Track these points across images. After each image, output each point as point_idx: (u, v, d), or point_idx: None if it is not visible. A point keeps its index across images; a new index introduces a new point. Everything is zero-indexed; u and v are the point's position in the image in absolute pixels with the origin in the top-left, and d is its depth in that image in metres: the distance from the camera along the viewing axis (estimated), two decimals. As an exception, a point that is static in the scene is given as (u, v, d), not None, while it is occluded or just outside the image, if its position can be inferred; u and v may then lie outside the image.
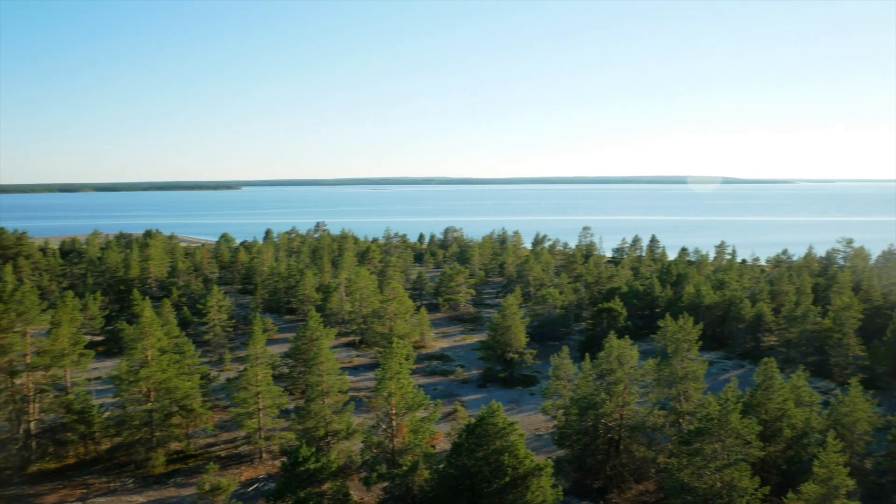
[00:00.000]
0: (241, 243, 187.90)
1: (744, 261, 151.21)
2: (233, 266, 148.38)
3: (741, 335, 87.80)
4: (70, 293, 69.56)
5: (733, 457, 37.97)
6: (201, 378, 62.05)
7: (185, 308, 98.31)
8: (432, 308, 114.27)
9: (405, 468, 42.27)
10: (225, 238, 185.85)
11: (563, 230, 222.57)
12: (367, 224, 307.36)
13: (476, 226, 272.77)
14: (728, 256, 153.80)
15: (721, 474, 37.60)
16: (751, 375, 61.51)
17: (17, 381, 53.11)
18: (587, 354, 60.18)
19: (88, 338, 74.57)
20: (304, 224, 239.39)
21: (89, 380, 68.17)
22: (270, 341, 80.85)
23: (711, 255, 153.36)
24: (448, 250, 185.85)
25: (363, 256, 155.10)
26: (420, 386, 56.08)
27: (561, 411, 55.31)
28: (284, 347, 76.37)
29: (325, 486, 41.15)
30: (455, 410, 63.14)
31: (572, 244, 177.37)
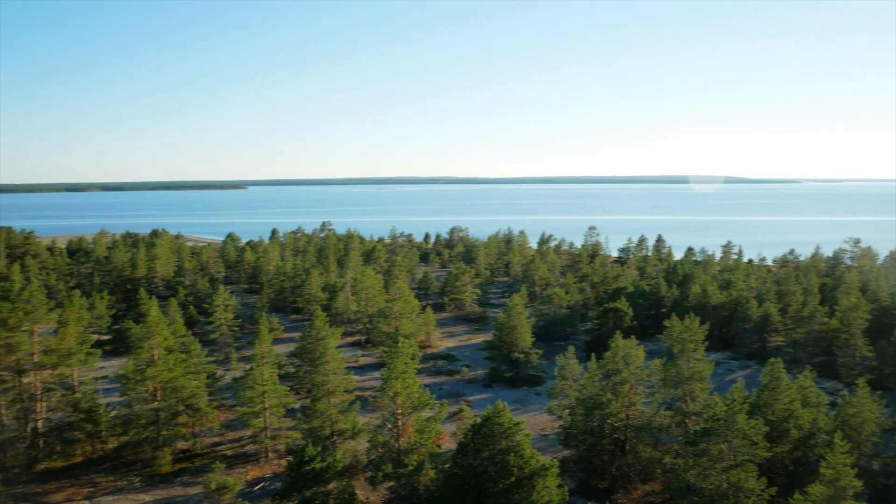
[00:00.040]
0: (248, 243, 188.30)
1: (750, 261, 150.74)
2: (239, 265, 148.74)
3: (748, 335, 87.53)
4: (77, 292, 69.90)
5: (740, 457, 37.86)
6: (207, 377, 62.21)
7: (192, 307, 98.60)
8: (438, 308, 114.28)
9: (411, 468, 42.30)
10: (231, 237, 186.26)
11: (569, 230, 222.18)
12: (373, 224, 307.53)
13: (482, 225, 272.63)
14: (734, 256, 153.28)
15: (727, 475, 37.51)
16: (757, 376, 61.37)
17: (25, 380, 53.36)
18: (593, 354, 60.09)
19: (95, 337, 74.88)
20: (309, 224, 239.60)
21: (96, 379, 68.38)
22: (276, 341, 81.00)
23: (718, 255, 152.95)
24: (454, 250, 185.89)
25: (369, 256, 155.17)
26: (426, 386, 56.11)
27: (567, 411, 55.23)
28: (290, 347, 76.47)
29: (331, 486, 41.22)
30: (461, 410, 63.16)
31: (578, 244, 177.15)
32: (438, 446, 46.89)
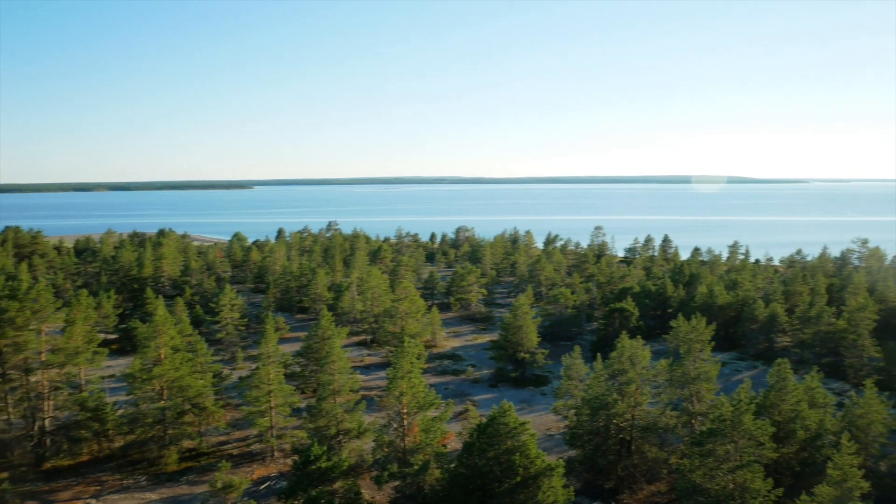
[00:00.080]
0: (254, 242, 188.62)
1: (757, 261, 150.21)
2: (245, 265, 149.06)
3: (754, 336, 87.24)
4: (84, 291, 70.03)
5: (746, 458, 37.73)
6: (214, 376, 62.35)
7: (198, 307, 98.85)
8: (444, 307, 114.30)
9: (416, 467, 42.31)
10: (237, 237, 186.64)
11: (575, 230, 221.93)
12: (379, 223, 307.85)
13: (488, 225, 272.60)
14: (741, 256, 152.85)
15: (734, 475, 37.38)
16: (764, 376, 61.12)
17: (32, 379, 53.56)
18: (599, 354, 59.98)
19: (102, 336, 75.16)
20: (316, 223, 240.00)
21: (103, 378, 68.64)
22: (282, 340, 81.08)
23: (724, 255, 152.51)
24: (460, 250, 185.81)
25: (375, 256, 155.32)
26: (431, 385, 56.11)
27: (572, 411, 55.16)
28: (296, 346, 76.59)
29: (337, 485, 41.23)
30: (466, 410, 63.13)
31: (584, 244, 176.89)
32: (444, 446, 46.87)
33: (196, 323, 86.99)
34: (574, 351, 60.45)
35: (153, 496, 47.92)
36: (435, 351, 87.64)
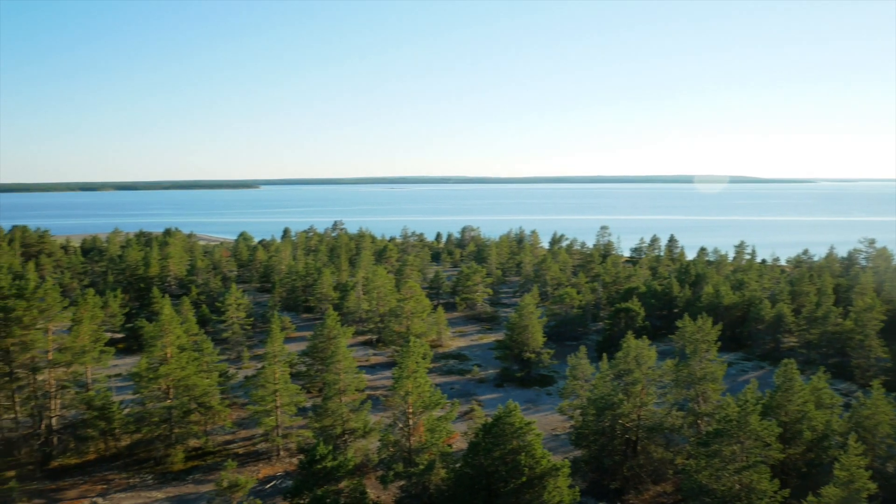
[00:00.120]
0: (260, 242, 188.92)
1: (763, 261, 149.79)
2: (251, 264, 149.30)
3: (761, 336, 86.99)
4: (91, 291, 70.31)
5: (752, 459, 37.62)
6: (220, 375, 62.47)
7: (204, 306, 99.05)
8: (449, 307, 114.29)
9: (422, 467, 42.31)
10: (243, 237, 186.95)
11: (581, 229, 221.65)
12: (385, 223, 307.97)
13: (493, 225, 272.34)
14: (748, 256, 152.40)
15: (740, 476, 37.28)
16: (770, 377, 60.99)
17: (40, 378, 53.80)
18: (604, 354, 59.88)
19: (109, 335, 75.31)
20: (321, 223, 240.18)
21: (110, 376, 68.94)
22: (288, 339, 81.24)
23: (731, 255, 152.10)
24: (465, 249, 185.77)
25: (380, 255, 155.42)
26: (437, 385, 56.11)
27: (578, 411, 55.07)
28: (302, 346, 76.67)
29: (342, 485, 41.29)
30: (472, 410, 63.13)
31: (590, 243, 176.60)
32: (449, 445, 46.87)
33: (202, 322, 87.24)
34: (579, 351, 60.36)
35: (159, 495, 48.06)
36: (440, 350, 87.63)
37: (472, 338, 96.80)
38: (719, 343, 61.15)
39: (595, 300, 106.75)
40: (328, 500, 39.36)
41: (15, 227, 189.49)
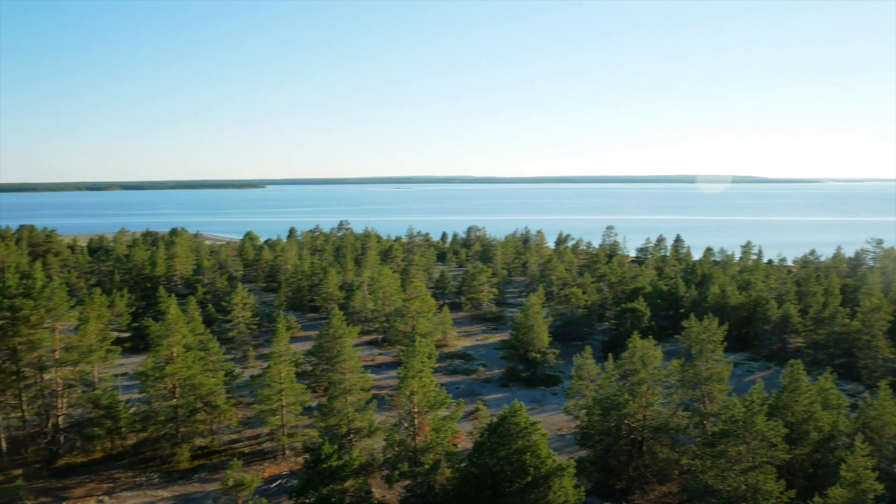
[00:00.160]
0: (266, 241, 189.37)
1: (770, 261, 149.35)
2: (257, 264, 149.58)
3: (767, 336, 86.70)
4: (98, 290, 70.48)
5: (758, 459, 37.51)
6: (225, 375, 62.60)
7: (210, 305, 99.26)
8: (455, 307, 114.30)
9: (427, 466, 42.32)
10: (249, 236, 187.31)
11: (586, 229, 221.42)
12: (390, 223, 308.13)
13: (499, 225, 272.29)
14: (754, 256, 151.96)
15: (746, 477, 37.18)
16: (777, 377, 60.77)
17: (46, 377, 54.02)
18: (610, 355, 59.84)
19: (115, 334, 75.55)
20: (327, 223, 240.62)
21: (116, 376, 69.20)
22: (294, 339, 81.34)
23: (737, 256, 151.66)
24: (471, 249, 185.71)
25: (386, 255, 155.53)
26: (442, 385, 56.03)
27: (583, 411, 55.02)
28: (308, 345, 76.78)
29: (348, 484, 41.32)
30: (477, 409, 63.08)
31: (595, 243, 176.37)
32: (454, 445, 46.87)
33: (208, 322, 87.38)
34: (585, 351, 60.29)
35: (165, 493, 48.19)
36: (446, 350, 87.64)
37: (477, 337, 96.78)
38: (725, 343, 61.06)
39: (601, 300, 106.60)
40: (333, 500, 39.41)
41: (22, 226, 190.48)
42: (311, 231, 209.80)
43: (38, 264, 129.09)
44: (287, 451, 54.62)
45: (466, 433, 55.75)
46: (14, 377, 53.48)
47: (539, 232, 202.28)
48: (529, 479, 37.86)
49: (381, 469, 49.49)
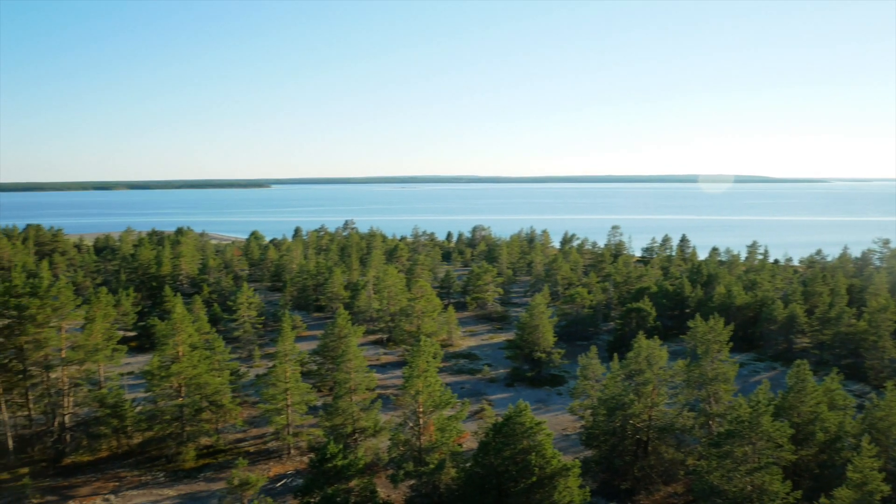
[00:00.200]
0: (271, 241, 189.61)
1: (776, 261, 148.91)
2: (262, 263, 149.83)
3: (773, 337, 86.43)
4: (104, 289, 70.74)
5: (764, 460, 37.41)
6: (231, 374, 62.70)
7: (216, 305, 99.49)
8: (460, 307, 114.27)
9: (432, 466, 42.33)
10: (255, 236, 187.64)
11: (592, 229, 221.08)
12: (396, 222, 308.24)
13: (504, 224, 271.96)
14: (760, 256, 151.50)
15: (752, 477, 37.08)
16: (783, 378, 60.62)
17: (53, 375, 54.19)
18: (615, 354, 59.70)
19: (121, 333, 75.71)
20: (332, 222, 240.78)
21: (122, 374, 69.43)
22: (299, 338, 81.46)
23: (743, 255, 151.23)
24: (476, 249, 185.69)
25: (391, 254, 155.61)
26: (447, 384, 56.09)
27: (588, 411, 54.94)
28: (313, 344, 76.88)
29: (353, 483, 41.35)
30: (482, 409, 63.09)
31: (601, 243, 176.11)
32: (460, 445, 46.87)
33: (214, 321, 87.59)
34: (590, 351, 60.19)
35: (171, 492, 48.31)
36: (451, 350, 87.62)
37: (482, 337, 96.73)
38: (731, 343, 60.81)
39: (606, 300, 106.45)
40: (338, 499, 39.46)
41: (29, 225, 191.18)
42: (316, 231, 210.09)
43: (45, 263, 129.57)
44: (292, 451, 54.71)
45: (471, 433, 55.73)
46: (21, 376, 53.72)
47: (544, 231, 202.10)
48: (534, 479, 37.84)
49: (385, 468, 49.54)
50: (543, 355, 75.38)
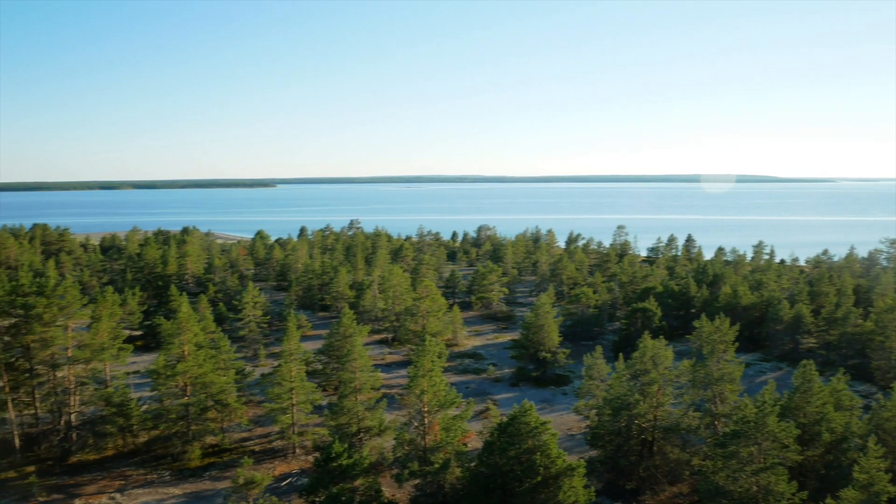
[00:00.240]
0: (276, 240, 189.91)
1: (782, 261, 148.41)
2: (268, 263, 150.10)
3: (779, 337, 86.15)
4: (110, 288, 70.83)
5: (770, 460, 37.30)
6: (236, 373, 62.86)
7: (221, 304, 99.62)
8: (465, 306, 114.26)
9: (437, 466, 42.33)
10: (260, 235, 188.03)
11: (597, 229, 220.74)
12: (401, 222, 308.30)
13: (509, 224, 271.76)
14: (766, 256, 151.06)
15: (757, 478, 36.98)
16: (789, 378, 60.37)
17: (59, 374, 54.40)
18: (621, 354, 59.64)
19: (127, 332, 76.01)
20: (338, 222, 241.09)
21: (128, 373, 69.65)
22: (304, 338, 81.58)
23: (749, 255, 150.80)
24: (481, 248, 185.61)
25: (396, 254, 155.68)
26: (452, 384, 55.97)
27: (594, 411, 54.89)
28: (318, 344, 76.98)
29: (357, 483, 41.39)
30: (487, 409, 63.05)
31: (606, 243, 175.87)
32: (464, 445, 46.84)
33: (219, 320, 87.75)
34: (596, 351, 60.13)
35: (176, 491, 48.43)
36: (456, 350, 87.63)
37: (487, 337, 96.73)
38: (737, 344, 60.79)
39: (611, 300, 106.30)
40: (343, 498, 39.49)
41: (35, 225, 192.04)
42: (321, 230, 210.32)
43: (51, 263, 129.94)
44: (297, 450, 54.78)
45: (476, 433, 55.74)
46: (27, 375, 53.95)
47: (549, 231, 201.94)
48: (539, 478, 37.81)
49: (390, 468, 49.56)
50: (548, 355, 75.32)
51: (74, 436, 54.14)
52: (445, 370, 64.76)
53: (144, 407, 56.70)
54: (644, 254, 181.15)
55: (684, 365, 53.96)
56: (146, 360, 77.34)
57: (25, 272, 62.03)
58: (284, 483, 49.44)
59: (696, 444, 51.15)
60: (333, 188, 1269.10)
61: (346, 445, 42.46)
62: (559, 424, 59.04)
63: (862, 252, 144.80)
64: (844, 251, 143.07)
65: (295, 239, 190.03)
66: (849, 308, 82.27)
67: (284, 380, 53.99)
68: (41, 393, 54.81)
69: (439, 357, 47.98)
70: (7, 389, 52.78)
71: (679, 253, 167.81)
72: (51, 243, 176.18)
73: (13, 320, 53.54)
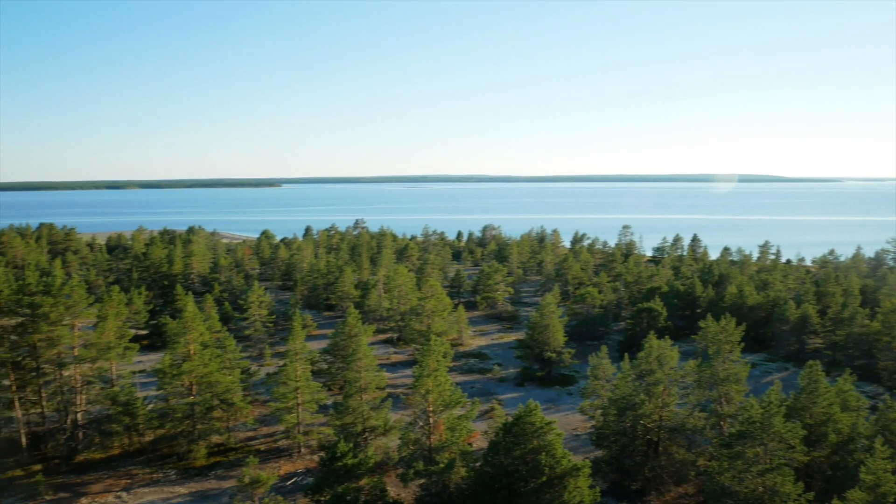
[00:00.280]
0: (282, 240, 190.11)
1: (788, 261, 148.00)
2: (273, 262, 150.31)
3: (785, 337, 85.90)
4: (116, 288, 71.04)
5: (776, 461, 37.19)
6: (242, 372, 62.93)
7: (227, 303, 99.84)
8: (470, 306, 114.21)
9: (442, 465, 42.34)
10: (266, 235, 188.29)
11: (602, 228, 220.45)
12: (406, 221, 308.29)
13: (514, 224, 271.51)
14: (772, 256, 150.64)
15: (763, 479, 36.88)
16: (795, 378, 60.22)
17: (66, 373, 54.56)
18: (626, 354, 59.44)
19: (133, 331, 76.14)
20: (343, 221, 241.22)
21: (134, 373, 69.88)
22: (310, 337, 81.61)
23: (755, 255, 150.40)
24: (486, 248, 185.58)
25: (402, 254, 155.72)
26: (457, 384, 56.10)
27: (599, 411, 54.78)
28: (323, 343, 77.03)
29: (363, 482, 41.42)
30: (492, 409, 63.03)
31: (611, 243, 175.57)
32: (469, 444, 46.87)
33: (225, 319, 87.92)
34: (601, 351, 59.99)
35: (182, 490, 48.55)
36: (461, 349, 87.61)
37: (492, 337, 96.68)
38: (743, 344, 60.57)
39: (617, 300, 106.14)
40: (349, 498, 39.53)
41: (42, 224, 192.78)
42: (326, 230, 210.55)
43: (58, 262, 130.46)
44: (303, 449, 54.86)
45: (481, 432, 55.66)
46: (34, 373, 54.17)
47: (555, 231, 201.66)
48: (544, 478, 37.78)
49: (396, 468, 49.59)
50: (554, 355, 75.25)
51: (81, 434, 54.32)
52: (450, 370, 64.75)
53: (150, 406, 56.88)
54: (649, 253, 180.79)
55: (690, 365, 53.83)
56: (152, 360, 77.56)
57: (32, 271, 62.29)
58: (290, 482, 49.52)
59: (701, 444, 51.03)
60: (338, 188, 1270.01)
61: (351, 445, 42.51)
62: (564, 424, 58.99)
63: (868, 252, 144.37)
64: (851, 251, 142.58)
65: (300, 238, 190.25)
66: (855, 308, 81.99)
67: (290, 379, 54.07)
68: (48, 392, 55.02)
69: (444, 357, 47.99)
70: (14, 388, 53.03)
71: (685, 253, 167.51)
72: (57, 243, 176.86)
73: (20, 319, 53.76)
